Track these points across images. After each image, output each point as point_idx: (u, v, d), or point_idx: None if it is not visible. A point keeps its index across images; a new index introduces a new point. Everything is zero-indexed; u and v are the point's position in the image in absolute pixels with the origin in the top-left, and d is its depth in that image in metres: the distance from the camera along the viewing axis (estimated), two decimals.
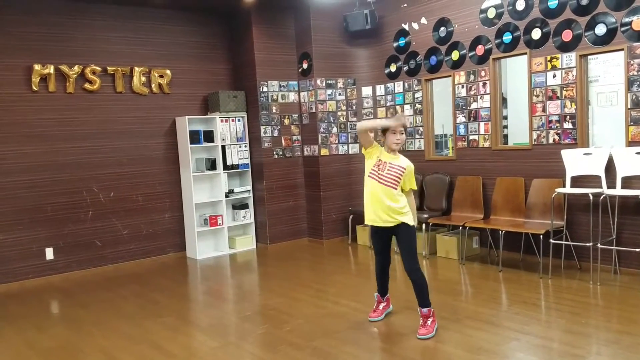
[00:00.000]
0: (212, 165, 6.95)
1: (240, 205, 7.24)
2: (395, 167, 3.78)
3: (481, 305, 4.33)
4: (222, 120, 6.98)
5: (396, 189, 3.77)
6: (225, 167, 7.02)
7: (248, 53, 7.10)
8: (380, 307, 4.19)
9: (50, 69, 6.08)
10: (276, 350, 3.69)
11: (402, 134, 3.83)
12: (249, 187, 7.26)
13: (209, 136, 6.90)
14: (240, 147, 7.14)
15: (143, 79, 6.72)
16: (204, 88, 7.18)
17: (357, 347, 3.64)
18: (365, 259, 6.47)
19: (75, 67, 6.24)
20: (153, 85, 6.79)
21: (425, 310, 3.79)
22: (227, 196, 7.04)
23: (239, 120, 7.13)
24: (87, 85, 6.36)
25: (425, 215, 6.13)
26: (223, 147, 6.99)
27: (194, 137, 6.77)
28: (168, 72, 6.87)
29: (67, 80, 6.21)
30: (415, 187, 3.92)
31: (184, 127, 6.76)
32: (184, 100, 7.03)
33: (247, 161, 7.22)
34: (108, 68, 6.48)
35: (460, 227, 5.76)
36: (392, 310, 4.27)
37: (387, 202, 3.76)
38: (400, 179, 3.78)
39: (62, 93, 6.22)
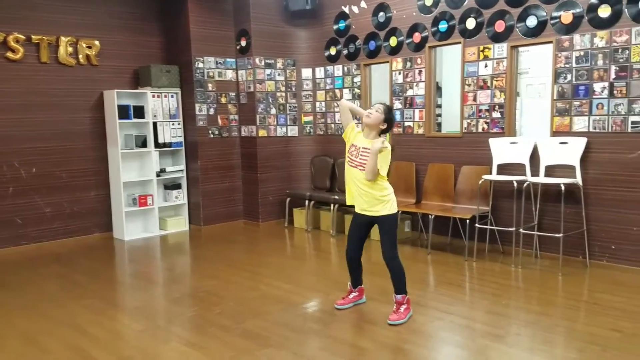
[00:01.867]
0: (142, 142, 6.69)
1: (172, 185, 7.03)
2: (367, 150, 3.60)
3: (409, 286, 4.40)
4: (153, 96, 6.73)
5: None
6: (157, 145, 6.78)
7: (183, 27, 6.86)
8: (351, 296, 4.02)
9: None
10: (205, 333, 3.63)
11: (377, 110, 3.62)
12: (182, 167, 7.06)
13: (139, 112, 6.63)
14: (173, 124, 6.92)
15: (70, 49, 6.36)
16: (135, 61, 6.87)
17: (289, 329, 3.64)
18: (301, 241, 6.48)
19: None
20: (80, 56, 6.43)
21: (399, 297, 3.73)
22: (158, 175, 6.82)
23: (172, 96, 6.89)
24: (9, 54, 5.94)
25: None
26: (154, 124, 6.74)
27: (123, 112, 6.49)
28: (97, 42, 6.53)
29: None
30: (384, 171, 3.63)
31: (112, 102, 6.45)
32: (113, 73, 6.71)
33: (181, 139, 7.01)
34: (32, 37, 6.08)
35: (398, 213, 5.85)
36: (364, 302, 4.06)
37: (364, 188, 3.64)
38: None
39: None
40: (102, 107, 6.64)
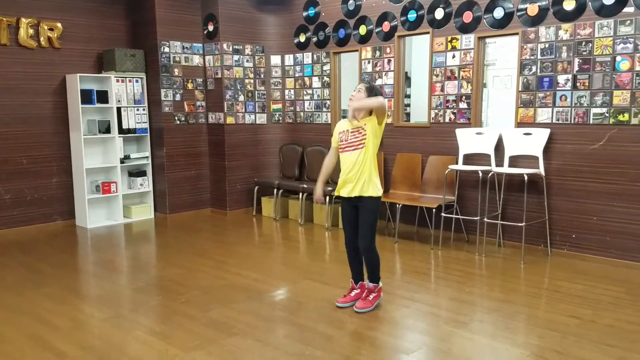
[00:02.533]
0: (106, 128, 6.53)
1: (137, 173, 6.89)
2: (357, 129, 3.56)
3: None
4: (118, 80, 6.56)
5: (363, 145, 3.53)
6: (121, 130, 6.63)
7: (149, 10, 6.68)
8: (352, 293, 3.83)
9: None
10: (169, 322, 3.58)
11: (360, 91, 3.57)
12: (147, 154, 6.92)
13: (102, 96, 6.47)
14: (138, 110, 6.77)
15: (31, 31, 6.14)
16: (99, 44, 6.68)
17: (255, 317, 3.62)
18: (269, 230, 6.45)
19: None
20: (42, 39, 6.22)
21: (371, 285, 3.71)
22: (122, 162, 6.67)
23: (137, 81, 6.73)
24: None
25: (330, 188, 6.19)
26: (119, 109, 6.59)
27: (86, 96, 6.31)
28: (59, 25, 6.32)
29: None
30: (382, 117, 3.55)
31: (75, 86, 6.27)
32: (76, 56, 6.51)
33: (146, 125, 6.87)
34: None
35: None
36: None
37: (353, 169, 3.57)
38: (364, 135, 3.54)
39: None
40: (65, 91, 6.45)
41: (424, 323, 3.56)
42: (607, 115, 4.60)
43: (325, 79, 6.76)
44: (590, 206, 4.76)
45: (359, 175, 3.59)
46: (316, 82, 6.87)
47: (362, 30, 6.25)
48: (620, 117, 4.53)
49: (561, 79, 4.82)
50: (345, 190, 3.66)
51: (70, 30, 6.43)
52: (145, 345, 3.24)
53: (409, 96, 7.33)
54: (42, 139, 6.35)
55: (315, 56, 6.84)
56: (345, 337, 3.36)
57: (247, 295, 4.06)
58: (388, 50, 6.05)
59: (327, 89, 6.76)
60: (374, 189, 3.62)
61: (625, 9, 4.42)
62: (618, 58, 4.50)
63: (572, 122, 4.79)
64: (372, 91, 3.59)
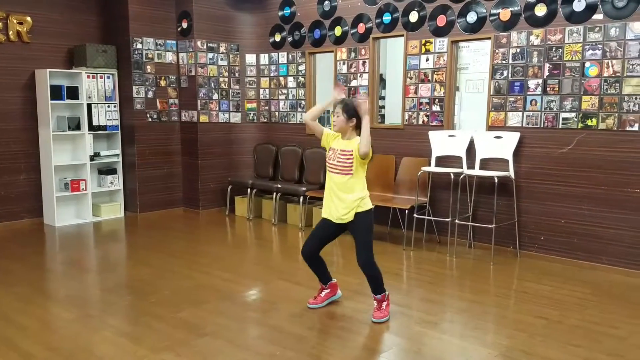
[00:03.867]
0: (75, 125, 6.40)
1: (107, 170, 6.78)
2: (345, 152, 3.47)
3: (349, 275, 4.48)
4: (88, 76, 6.44)
5: (350, 174, 3.46)
6: (91, 127, 6.50)
7: (122, 5, 6.58)
8: (323, 294, 3.81)
9: None
10: (138, 322, 3.53)
11: (338, 116, 3.48)
12: (118, 151, 6.81)
13: (73, 93, 6.34)
14: (109, 106, 6.65)
15: None
16: (70, 39, 6.54)
17: (226, 317, 3.60)
18: (242, 230, 6.41)
19: None
20: (10, 33, 6.07)
21: (378, 296, 3.59)
22: (92, 159, 6.55)
23: (108, 77, 6.62)
24: None
25: (304, 188, 6.20)
26: (89, 106, 6.47)
27: (56, 92, 6.18)
28: (29, 19, 6.17)
29: None
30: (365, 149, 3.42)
31: (44, 81, 6.13)
32: (45, 51, 6.37)
33: (117, 123, 6.75)
34: None
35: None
36: (339, 298, 3.91)
37: (341, 194, 3.48)
38: (351, 162, 3.46)
39: None
40: (34, 86, 6.31)
41: (395, 323, 3.58)
42: (575, 119, 4.70)
43: (301, 79, 6.76)
44: (558, 209, 4.86)
45: (347, 198, 3.48)
46: (291, 82, 6.86)
47: (338, 31, 6.27)
48: (589, 122, 4.64)
49: (532, 83, 4.91)
50: (333, 217, 3.54)
51: (41, 24, 6.29)
52: (113, 346, 3.18)
53: (383, 98, 7.39)
54: (9, 135, 6.19)
55: (290, 56, 6.83)
56: (316, 337, 3.36)
57: (219, 295, 4.03)
58: (363, 51, 6.08)
59: (302, 89, 6.76)
60: (364, 204, 3.52)
61: (595, 16, 4.53)
62: (587, 64, 4.60)
63: (542, 126, 4.89)
64: (350, 110, 3.51)
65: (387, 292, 3.63)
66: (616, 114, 4.49)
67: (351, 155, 3.47)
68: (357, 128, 3.54)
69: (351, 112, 3.51)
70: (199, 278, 4.45)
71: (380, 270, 3.61)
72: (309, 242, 3.69)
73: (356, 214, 3.50)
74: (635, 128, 4.41)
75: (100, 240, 6.02)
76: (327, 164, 3.59)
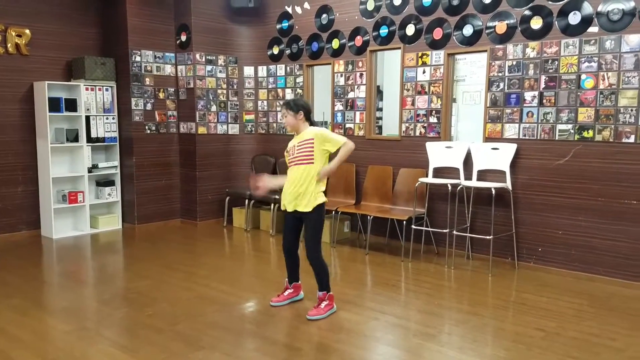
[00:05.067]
0: (74, 137, 6.41)
1: (105, 182, 6.78)
2: (303, 142, 3.73)
3: (347, 286, 4.47)
4: (87, 89, 6.46)
5: (312, 162, 3.69)
6: (89, 139, 6.51)
7: (121, 18, 6.62)
8: (286, 293, 4.06)
9: None
10: (135, 335, 3.52)
11: (285, 116, 3.79)
12: (116, 163, 6.81)
13: (71, 105, 6.36)
14: (107, 118, 6.67)
15: None
16: (68, 52, 6.57)
17: (223, 330, 3.58)
18: (240, 241, 6.40)
19: None
20: (9, 45, 6.09)
21: (320, 293, 3.81)
22: (90, 171, 6.55)
23: (107, 89, 6.64)
24: None
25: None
26: (87, 118, 6.48)
27: (54, 104, 6.20)
28: (27, 31, 6.21)
29: None
30: (341, 143, 3.71)
31: (42, 93, 6.15)
32: (44, 63, 6.39)
33: (115, 135, 6.77)
34: None
35: (333, 212, 5.90)
36: (301, 299, 4.10)
37: (300, 186, 3.70)
38: (312, 151, 3.68)
39: None
40: (32, 99, 6.32)
41: (392, 335, 3.57)
42: (572, 131, 4.72)
43: (299, 91, 6.79)
44: (555, 220, 4.87)
45: (304, 190, 3.71)
46: (289, 94, 6.89)
47: (335, 44, 6.31)
48: (585, 134, 4.66)
49: (528, 95, 4.94)
50: (290, 206, 3.79)
51: (39, 37, 6.32)
52: (109, 359, 3.16)
53: (381, 109, 7.41)
54: (7, 147, 6.20)
55: (288, 68, 6.87)
56: (314, 350, 3.35)
57: (216, 307, 4.02)
58: (360, 64, 6.12)
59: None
60: (318, 202, 3.74)
61: (590, 29, 4.57)
62: (583, 76, 4.64)
63: (539, 137, 4.91)
64: (293, 106, 3.76)
65: (331, 293, 3.83)
66: (612, 126, 4.51)
67: (311, 143, 3.69)
68: (307, 120, 3.81)
69: (295, 107, 3.77)
70: (196, 290, 4.43)
71: (326, 266, 3.82)
72: (285, 236, 3.96)
73: (311, 212, 3.72)
74: (631, 140, 4.43)
75: (97, 252, 6.00)
76: (287, 162, 3.83)
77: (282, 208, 3.88)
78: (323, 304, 3.80)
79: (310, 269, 3.86)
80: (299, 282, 4.10)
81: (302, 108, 3.77)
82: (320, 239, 3.83)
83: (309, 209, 3.72)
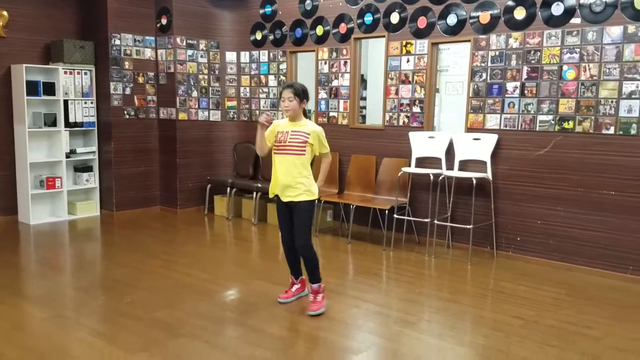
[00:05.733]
0: (52, 121, 6.28)
1: (83, 168, 6.66)
2: (298, 133, 3.57)
3: (329, 275, 4.46)
4: (65, 72, 6.32)
5: (304, 154, 3.57)
6: (68, 124, 6.39)
7: (100, 1, 6.47)
8: (293, 288, 3.91)
9: None
10: (113, 322, 3.48)
11: (291, 100, 3.54)
12: (94, 149, 6.70)
13: (49, 88, 6.22)
14: (85, 103, 6.54)
15: None
16: (47, 35, 6.42)
17: (203, 318, 3.56)
18: (221, 230, 6.36)
19: None
20: None
21: (315, 286, 3.68)
22: (68, 157, 6.44)
23: (85, 73, 6.51)
24: None
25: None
26: (65, 102, 6.35)
27: (32, 88, 6.06)
28: (5, 13, 6.04)
29: None
30: (327, 150, 3.71)
31: (20, 77, 6.01)
32: (22, 46, 6.24)
33: (94, 119, 6.65)
34: None
35: (316, 201, 5.86)
36: (307, 294, 3.90)
37: (293, 175, 3.57)
38: (305, 144, 3.56)
39: None
40: (9, 82, 6.18)
41: (373, 323, 3.58)
42: (552, 122, 4.76)
43: (282, 77, 6.73)
44: (534, 210, 4.92)
45: (297, 180, 3.59)
46: (272, 81, 6.83)
47: (319, 30, 6.26)
48: (565, 125, 4.70)
49: (510, 86, 4.96)
50: (283, 195, 3.65)
51: (17, 19, 6.16)
52: (87, 347, 3.13)
53: (364, 98, 7.40)
54: None
55: (271, 54, 6.80)
56: (295, 337, 3.35)
57: (196, 295, 3.99)
58: (344, 51, 6.08)
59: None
60: (311, 192, 3.65)
61: (573, 20, 4.60)
62: (564, 67, 4.67)
63: (519, 128, 4.94)
64: (300, 92, 3.58)
65: (322, 283, 3.72)
66: (592, 117, 4.56)
67: (307, 136, 3.57)
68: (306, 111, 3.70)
69: (302, 95, 3.62)
70: (176, 278, 4.39)
71: (317, 256, 3.72)
72: (282, 230, 3.79)
73: (303, 201, 3.61)
74: (611, 131, 4.48)
75: (75, 239, 5.91)
76: (276, 147, 3.64)
77: (272, 196, 3.76)
78: (319, 296, 3.69)
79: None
80: (304, 276, 3.92)
81: (307, 97, 3.64)
82: (311, 226, 3.72)
83: (306, 198, 3.61)
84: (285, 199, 3.65)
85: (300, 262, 3.87)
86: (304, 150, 3.58)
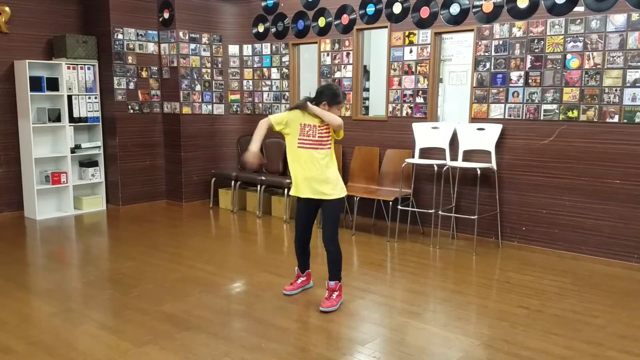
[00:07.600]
0: (56, 116, 6.31)
1: (88, 163, 6.69)
2: (322, 126, 3.53)
3: None
4: (69, 67, 6.33)
5: (329, 147, 3.56)
6: (72, 119, 6.41)
7: None
8: (299, 281, 3.94)
9: None
10: (120, 316, 3.50)
11: (324, 107, 3.55)
12: (99, 143, 6.72)
13: (53, 84, 6.24)
14: (89, 98, 6.56)
15: None
16: (50, 30, 6.43)
17: (210, 311, 3.58)
18: (226, 223, 6.38)
19: None
20: None
21: (332, 283, 3.65)
22: (73, 152, 6.46)
23: (88, 68, 6.52)
24: None
25: (288, 181, 6.17)
26: (69, 97, 6.37)
27: (36, 84, 6.07)
28: (7, 9, 6.05)
29: None
30: (342, 134, 3.63)
31: (23, 72, 6.02)
32: (25, 42, 6.25)
33: (98, 114, 6.66)
34: None
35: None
36: (311, 287, 4.00)
37: (319, 171, 3.52)
38: (329, 135, 3.55)
39: None
40: (13, 78, 6.19)
41: (378, 314, 3.60)
42: (557, 111, 4.74)
43: (284, 70, 6.72)
44: (539, 200, 4.91)
45: (325, 176, 3.55)
46: (275, 74, 6.82)
47: (322, 22, 6.24)
48: (570, 114, 4.68)
49: (514, 75, 4.94)
50: (308, 190, 3.58)
51: (20, 14, 6.17)
52: (95, 340, 3.16)
53: (367, 90, 7.38)
54: None
55: (274, 47, 6.79)
56: (300, 329, 3.37)
57: (202, 288, 4.01)
58: (347, 43, 6.06)
59: (286, 80, 6.72)
60: (339, 191, 3.61)
61: (576, 8, 4.57)
62: (568, 56, 4.64)
63: (524, 118, 4.92)
64: (332, 95, 3.55)
65: (341, 283, 3.70)
66: (597, 106, 4.54)
67: (328, 128, 3.56)
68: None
69: (334, 100, 3.58)
70: (182, 271, 4.42)
71: (341, 253, 3.68)
72: (299, 230, 3.80)
73: (332, 199, 3.58)
74: (615, 120, 4.46)
75: (82, 234, 5.95)
76: (300, 141, 3.56)
77: (296, 194, 3.65)
78: (335, 294, 3.66)
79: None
80: (310, 270, 3.99)
81: (335, 97, 3.60)
82: (339, 222, 3.67)
83: (336, 194, 3.58)
84: (316, 196, 3.58)
85: (309, 258, 3.91)
86: (330, 144, 3.59)
